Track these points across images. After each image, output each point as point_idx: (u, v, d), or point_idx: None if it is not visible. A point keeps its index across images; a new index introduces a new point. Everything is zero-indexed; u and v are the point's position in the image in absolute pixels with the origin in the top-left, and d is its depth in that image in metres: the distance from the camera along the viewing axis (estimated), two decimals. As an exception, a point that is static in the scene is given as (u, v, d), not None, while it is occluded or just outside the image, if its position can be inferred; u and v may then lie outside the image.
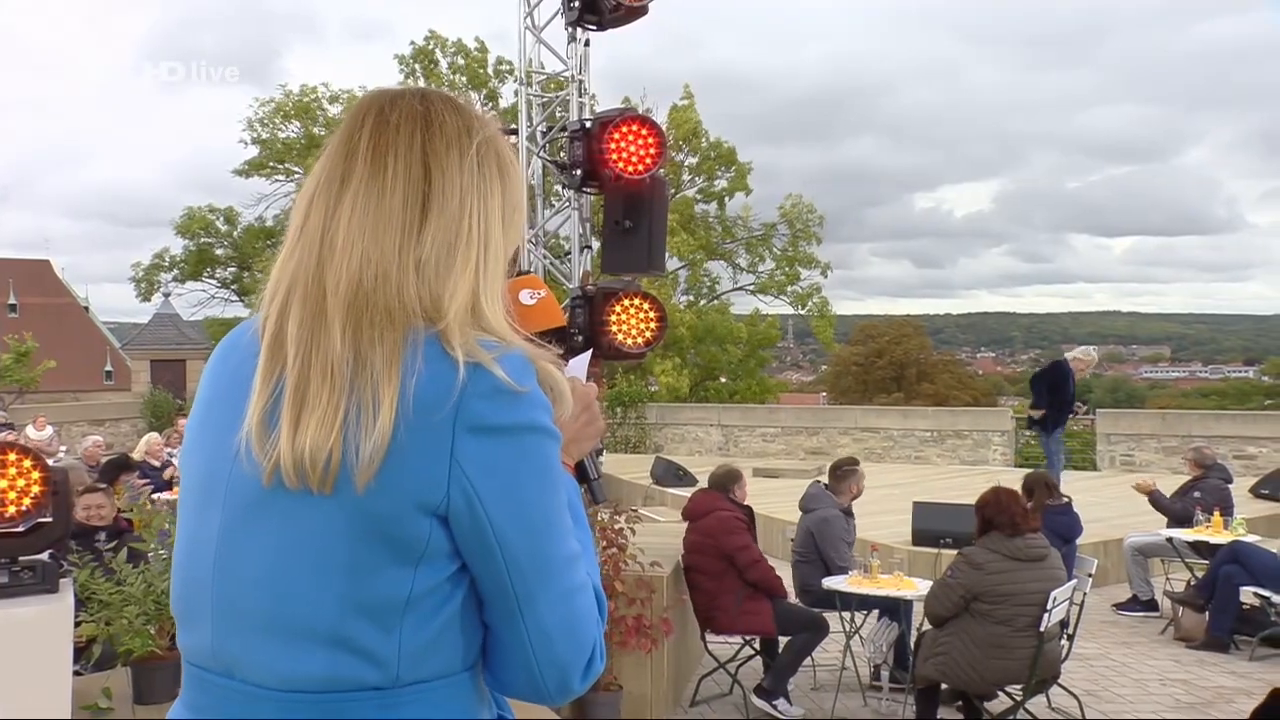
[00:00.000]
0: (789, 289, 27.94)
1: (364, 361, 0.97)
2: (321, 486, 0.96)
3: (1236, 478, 10.57)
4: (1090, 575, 5.40)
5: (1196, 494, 7.60)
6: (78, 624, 3.67)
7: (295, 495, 0.97)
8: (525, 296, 1.26)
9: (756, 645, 5.54)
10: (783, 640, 5.40)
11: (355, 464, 0.94)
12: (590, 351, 1.73)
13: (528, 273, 1.35)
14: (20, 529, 3.70)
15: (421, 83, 27.70)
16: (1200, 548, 7.12)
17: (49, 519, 3.70)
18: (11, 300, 44.58)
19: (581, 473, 1.25)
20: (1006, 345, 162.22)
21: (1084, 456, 16.17)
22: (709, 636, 5.47)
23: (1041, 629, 4.33)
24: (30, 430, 15.04)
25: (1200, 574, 6.94)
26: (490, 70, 27.61)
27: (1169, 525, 7.64)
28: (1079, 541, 6.33)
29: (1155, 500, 7.87)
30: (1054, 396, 9.81)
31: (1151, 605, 7.47)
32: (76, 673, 3.62)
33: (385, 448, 0.94)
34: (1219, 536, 6.95)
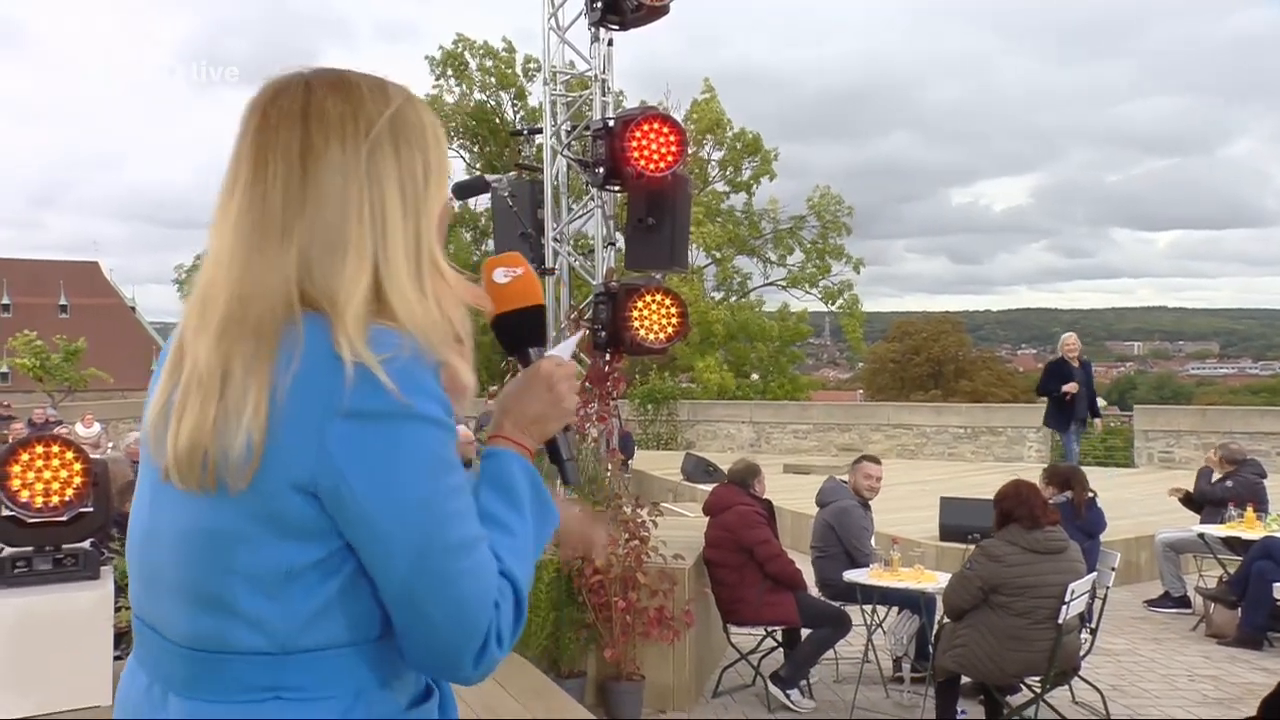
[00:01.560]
0: (820, 283, 27.84)
1: (229, 371, 1.02)
2: (204, 487, 1.02)
3: (1277, 475, 10.40)
4: (1113, 569, 5.37)
5: (1229, 484, 7.52)
6: (119, 609, 3.82)
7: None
8: (499, 275, 1.25)
9: (779, 637, 5.59)
10: (804, 633, 5.45)
11: (225, 467, 1.00)
12: (580, 335, 1.76)
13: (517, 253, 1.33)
14: (63, 518, 3.86)
15: (452, 85, 28.03)
16: (1233, 544, 7.03)
17: (90, 509, 3.86)
18: (62, 301, 45.74)
19: (553, 453, 1.26)
20: (1048, 342, 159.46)
21: (1123, 453, 15.96)
22: (732, 628, 5.53)
23: (1059, 621, 4.34)
24: (79, 427, 15.48)
25: (1233, 570, 6.85)
26: (519, 69, 27.79)
27: (1203, 519, 7.55)
28: (1103, 537, 6.28)
29: (1189, 496, 7.79)
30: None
31: (1184, 602, 7.39)
32: (118, 657, 3.76)
33: (259, 452, 0.99)
34: (1252, 532, 6.86)
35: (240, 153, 1.09)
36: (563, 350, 1.28)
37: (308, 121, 1.07)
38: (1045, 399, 10.24)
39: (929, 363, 46.51)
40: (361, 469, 1.00)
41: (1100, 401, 10.70)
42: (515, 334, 1.26)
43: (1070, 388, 9.61)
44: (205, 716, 1.03)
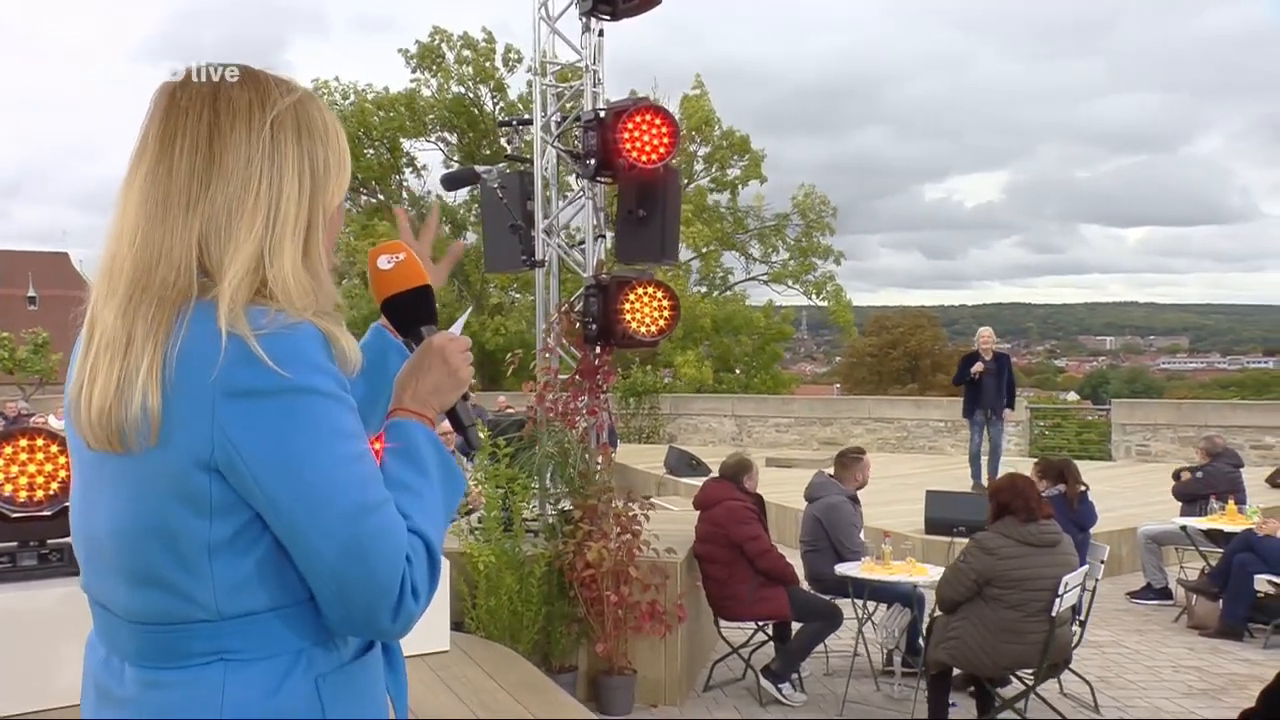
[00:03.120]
0: (803, 278, 27.93)
1: (131, 336, 1.07)
2: (113, 446, 1.07)
3: (1253, 468, 10.55)
4: (1102, 562, 5.42)
5: (1199, 474, 7.63)
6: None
7: (111, 458, 1.09)
8: (383, 262, 1.33)
9: (769, 631, 5.58)
10: (795, 627, 5.45)
11: (125, 425, 1.05)
12: (469, 310, 1.86)
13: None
14: (47, 513, 3.78)
15: (428, 78, 27.78)
16: (1214, 536, 7.11)
17: (75, 503, 3.78)
18: (31, 293, 45.00)
19: (455, 420, 1.32)
20: (1023, 336, 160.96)
21: (1098, 447, 16.12)
22: (723, 622, 5.52)
23: (1053, 614, 4.36)
24: (52, 420, 15.23)
25: (1214, 562, 6.93)
26: (499, 60, 27.52)
27: (1181, 512, 7.64)
28: (1093, 530, 6.33)
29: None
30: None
31: (1166, 594, 7.47)
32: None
33: (157, 412, 1.04)
34: (1233, 524, 6.95)
35: (148, 133, 1.14)
36: (455, 327, 1.36)
37: (216, 105, 1.12)
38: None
39: (906, 357, 46.80)
40: (255, 446, 1.04)
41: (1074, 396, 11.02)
42: (405, 314, 1.33)
43: (977, 368, 10.15)
44: (158, 682, 1.09)
